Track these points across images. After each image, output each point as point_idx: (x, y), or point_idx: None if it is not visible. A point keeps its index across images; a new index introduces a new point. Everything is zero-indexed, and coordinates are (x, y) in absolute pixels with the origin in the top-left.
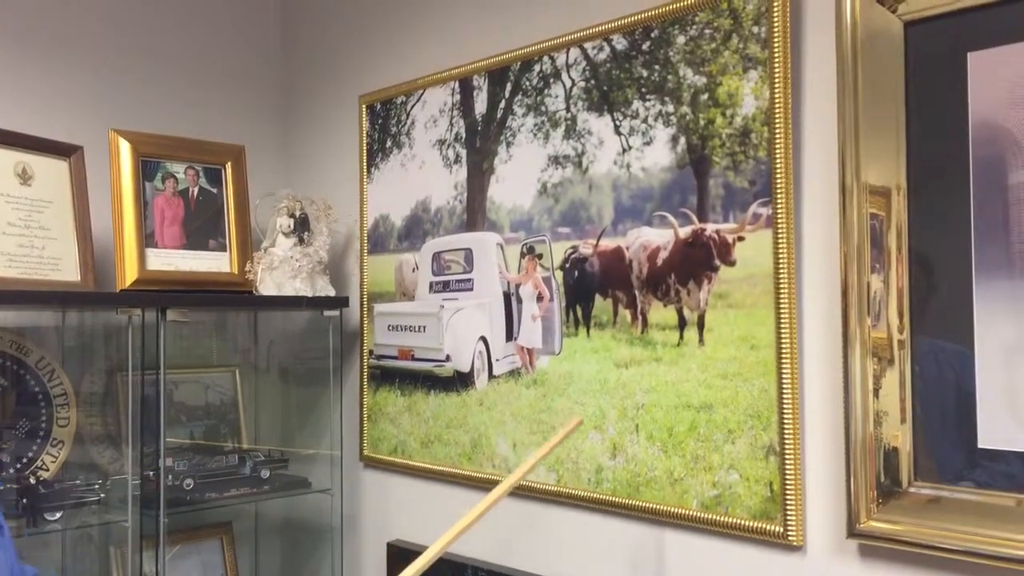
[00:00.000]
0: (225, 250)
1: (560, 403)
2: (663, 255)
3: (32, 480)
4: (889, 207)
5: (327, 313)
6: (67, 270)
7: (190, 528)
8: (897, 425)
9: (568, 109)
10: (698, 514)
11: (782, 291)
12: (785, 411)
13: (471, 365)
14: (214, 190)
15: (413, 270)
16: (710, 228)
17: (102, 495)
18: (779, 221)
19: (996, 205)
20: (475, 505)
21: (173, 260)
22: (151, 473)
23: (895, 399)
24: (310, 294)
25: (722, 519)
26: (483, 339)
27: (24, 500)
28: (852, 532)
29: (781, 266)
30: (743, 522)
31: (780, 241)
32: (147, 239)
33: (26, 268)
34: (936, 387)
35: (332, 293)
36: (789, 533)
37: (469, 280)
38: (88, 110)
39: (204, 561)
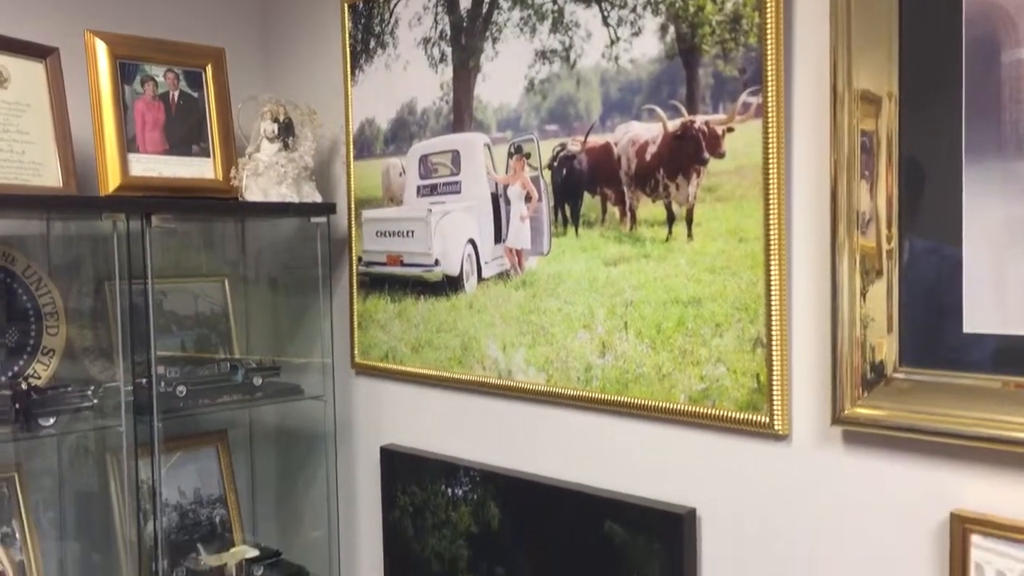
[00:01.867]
0: (208, 156)
1: (549, 303)
2: (652, 149)
3: (24, 387)
4: (879, 113)
5: (314, 220)
6: (48, 175)
7: (185, 436)
8: (883, 331)
9: (555, 1)
10: (686, 408)
11: (771, 181)
12: (772, 303)
13: (460, 269)
14: (195, 94)
15: (400, 174)
16: (699, 120)
17: (95, 401)
18: (769, 109)
19: (988, 86)
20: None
21: (156, 166)
22: (143, 380)
23: (882, 302)
24: (296, 200)
25: (709, 412)
26: (471, 242)
27: (17, 406)
28: (836, 419)
29: (771, 155)
30: (730, 414)
31: (770, 129)
32: (129, 144)
33: (6, 173)
34: (922, 277)
35: (319, 199)
36: (775, 423)
37: (456, 183)
38: (62, 10)
39: (200, 468)
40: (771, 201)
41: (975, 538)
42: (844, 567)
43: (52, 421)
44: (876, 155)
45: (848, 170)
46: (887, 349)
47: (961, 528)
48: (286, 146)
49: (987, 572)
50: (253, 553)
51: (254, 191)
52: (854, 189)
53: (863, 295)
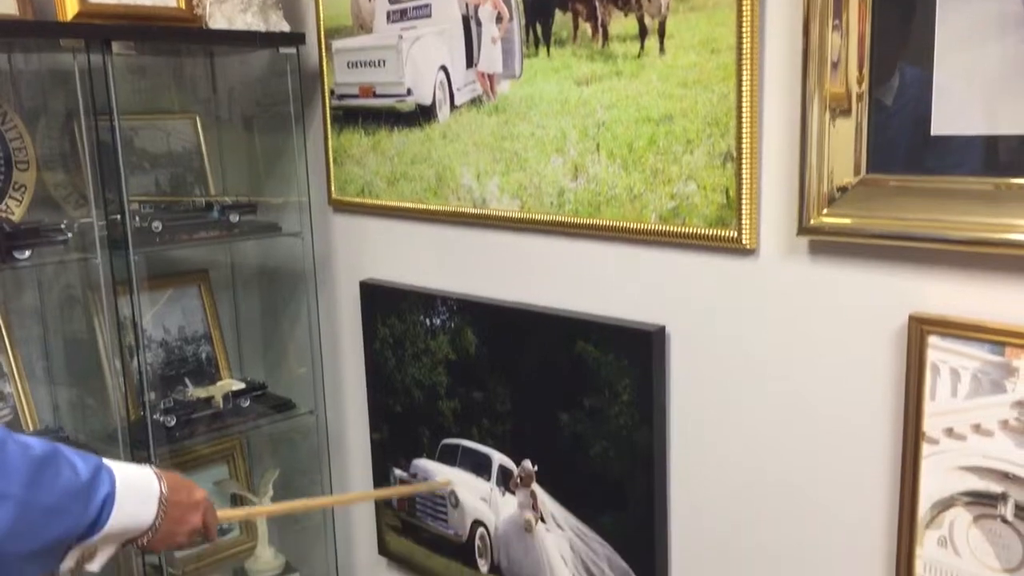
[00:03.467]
0: None
1: (522, 128)
2: None
3: None
4: None
5: (283, 51)
6: (3, 2)
7: (166, 275)
8: (850, 164)
9: None
10: (656, 227)
11: None
12: (743, 114)
13: (432, 97)
14: None
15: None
16: None
17: (69, 235)
18: None
19: None
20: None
21: None
22: (118, 217)
23: (850, 135)
24: (263, 29)
25: (679, 230)
26: (443, 68)
27: None
28: (802, 229)
29: None
30: (699, 231)
31: None
32: None
33: None
34: (895, 93)
35: (287, 28)
36: (743, 237)
37: (427, 5)
38: None
39: (184, 307)
40: (744, 5)
41: (932, 339)
42: (807, 373)
43: (28, 254)
44: None
45: (821, 13)
46: (853, 174)
47: (919, 329)
48: None
49: (942, 371)
50: (239, 386)
51: (218, 19)
52: (827, 30)
53: (833, 120)
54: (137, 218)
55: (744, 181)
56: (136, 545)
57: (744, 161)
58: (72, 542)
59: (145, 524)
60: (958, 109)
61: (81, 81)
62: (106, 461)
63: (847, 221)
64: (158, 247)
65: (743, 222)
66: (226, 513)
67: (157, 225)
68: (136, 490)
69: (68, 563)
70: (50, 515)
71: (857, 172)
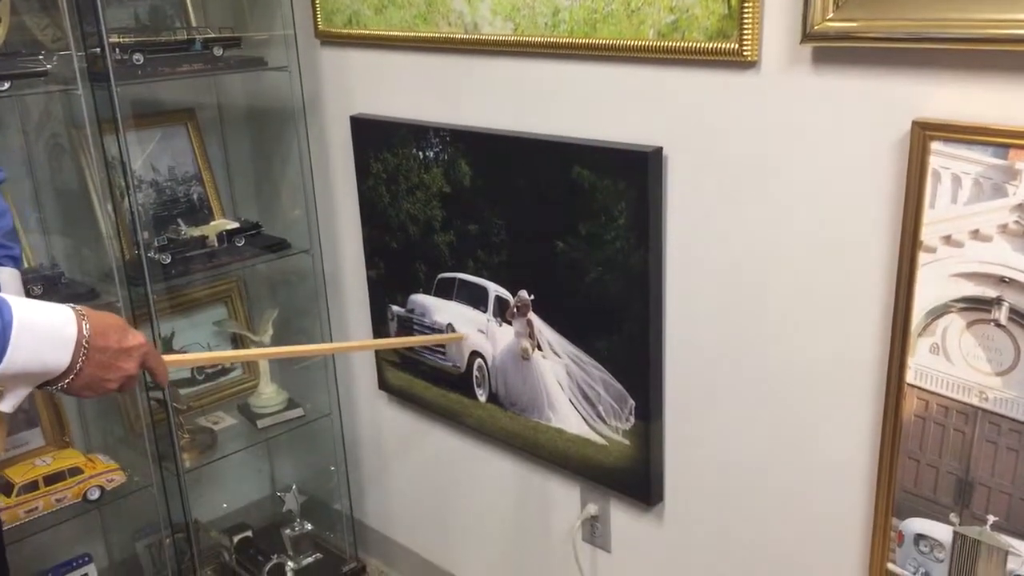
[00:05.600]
0: None
1: None
2: None
3: None
4: None
5: None
6: None
7: (152, 114)
8: None
9: None
10: (655, 43)
11: None
12: None
13: None
14: None
15: None
16: None
17: (48, 67)
18: None
19: None
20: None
21: None
22: (97, 50)
23: None
24: None
25: (678, 45)
26: None
27: None
28: (806, 36)
29: None
30: (699, 44)
31: None
32: None
33: None
34: None
35: None
36: (744, 49)
37: None
38: None
39: (173, 147)
40: None
41: (935, 145)
42: (806, 189)
43: (7, 86)
44: None
45: None
46: None
47: (922, 135)
48: None
49: (943, 178)
50: (233, 225)
51: None
52: None
53: None
54: (117, 50)
55: None
56: (57, 389)
57: None
58: None
59: (58, 368)
60: None
61: None
62: (9, 299)
63: (854, 24)
64: (140, 80)
65: (745, 33)
66: (174, 358)
67: (138, 57)
68: (42, 332)
69: None
70: None
71: None
